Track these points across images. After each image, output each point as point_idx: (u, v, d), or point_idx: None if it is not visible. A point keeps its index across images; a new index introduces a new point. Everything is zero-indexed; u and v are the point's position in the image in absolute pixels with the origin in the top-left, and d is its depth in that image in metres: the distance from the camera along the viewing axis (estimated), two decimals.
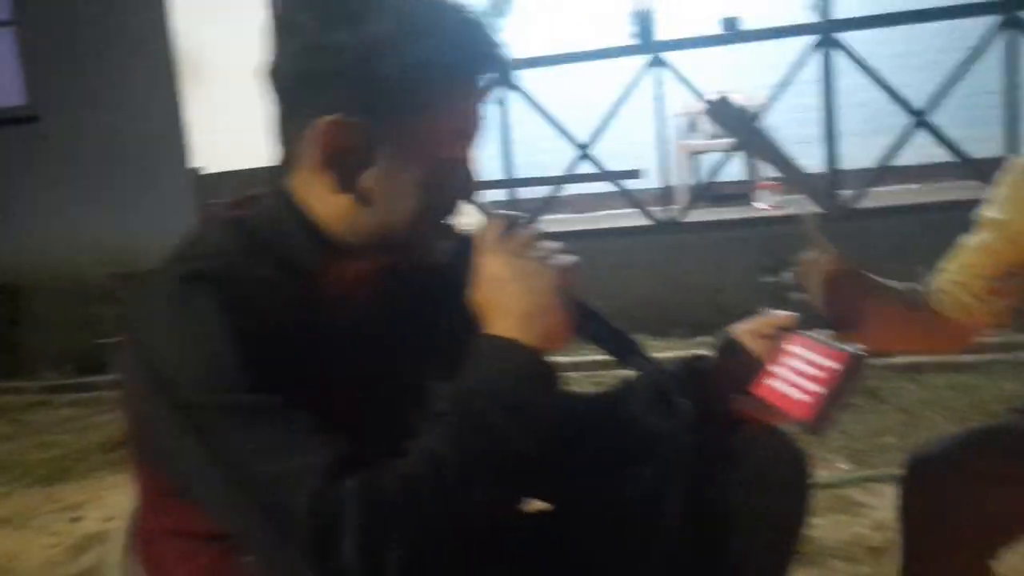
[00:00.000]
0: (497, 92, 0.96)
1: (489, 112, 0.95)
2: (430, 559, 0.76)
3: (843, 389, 0.90)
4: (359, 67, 0.85)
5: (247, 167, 5.26)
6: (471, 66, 0.89)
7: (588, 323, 0.93)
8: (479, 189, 0.95)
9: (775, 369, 1.00)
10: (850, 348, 0.91)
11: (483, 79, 0.91)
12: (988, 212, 1.44)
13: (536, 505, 1.14)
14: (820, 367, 0.93)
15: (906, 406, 3.10)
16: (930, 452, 1.31)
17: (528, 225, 0.91)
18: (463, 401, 0.83)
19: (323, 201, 0.90)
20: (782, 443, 1.03)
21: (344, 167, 0.88)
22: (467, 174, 0.94)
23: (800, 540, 1.04)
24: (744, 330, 1.07)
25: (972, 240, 1.45)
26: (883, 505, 2.35)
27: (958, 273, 1.42)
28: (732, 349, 1.07)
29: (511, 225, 0.91)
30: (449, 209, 0.94)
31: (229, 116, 5.57)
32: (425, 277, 0.99)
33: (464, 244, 0.93)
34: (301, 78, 0.87)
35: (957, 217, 4.89)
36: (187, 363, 0.80)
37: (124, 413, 0.93)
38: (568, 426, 1.11)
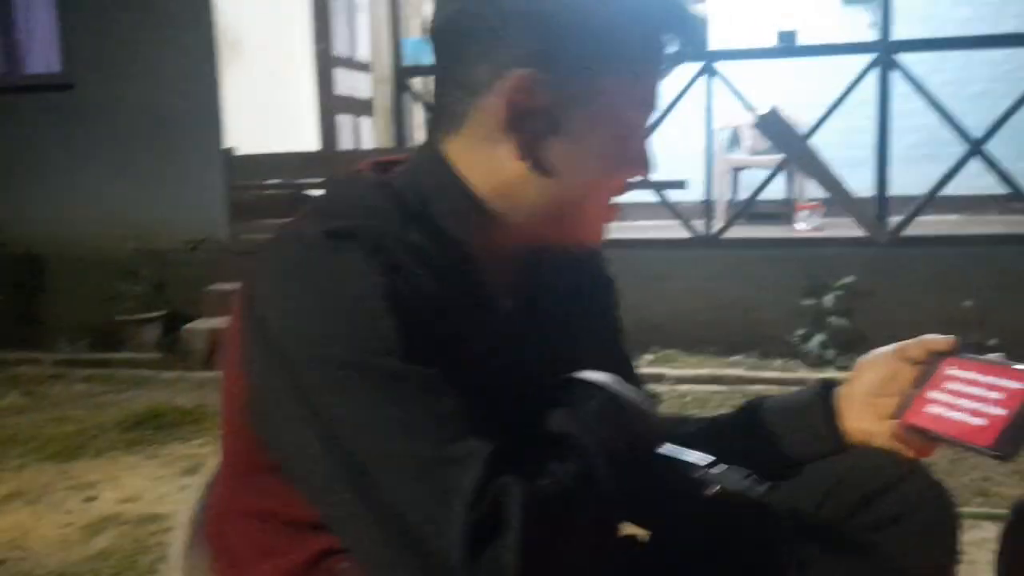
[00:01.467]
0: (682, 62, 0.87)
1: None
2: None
3: None
4: (543, 15, 0.76)
5: (279, 151, 5.22)
6: (663, 25, 0.81)
7: None
8: (654, 167, 0.86)
9: (934, 395, 0.91)
10: None
11: (671, 43, 0.82)
12: None
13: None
14: (999, 389, 0.84)
15: None
16: None
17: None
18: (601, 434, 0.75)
19: (490, 167, 0.81)
20: (929, 483, 0.93)
21: (528, 130, 0.79)
22: (644, 149, 0.85)
23: None
24: (891, 351, 0.98)
25: None
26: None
27: None
28: (880, 360, 0.99)
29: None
30: (623, 187, 0.85)
31: (264, 98, 5.51)
32: (575, 263, 0.91)
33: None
34: (473, 25, 0.78)
35: (1004, 251, 4.77)
36: (327, 321, 0.70)
37: (226, 377, 0.82)
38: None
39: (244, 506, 0.84)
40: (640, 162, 0.85)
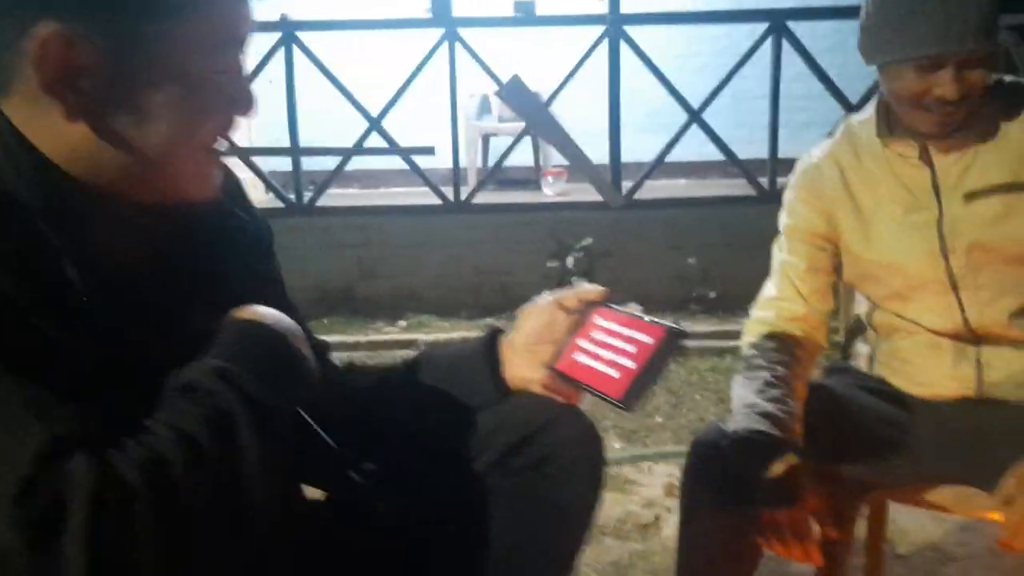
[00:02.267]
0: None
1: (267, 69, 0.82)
2: (169, 549, 0.65)
3: (656, 365, 0.86)
4: None
5: None
6: None
7: None
8: (254, 105, 0.81)
9: (582, 343, 0.96)
10: (666, 323, 0.88)
11: None
12: (784, 220, 1.51)
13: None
14: (632, 341, 0.90)
15: (674, 388, 3.26)
16: (711, 437, 1.34)
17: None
18: (224, 376, 0.72)
19: (52, 131, 0.74)
20: (579, 424, 0.99)
21: (74, 89, 0.72)
22: (240, 86, 0.80)
23: (593, 520, 1.02)
24: (549, 301, 1.03)
25: (778, 257, 1.50)
26: (653, 483, 2.44)
27: (782, 295, 1.47)
28: (540, 310, 1.03)
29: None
30: (218, 131, 0.81)
31: None
32: (192, 215, 0.85)
33: (230, 180, 0.81)
34: None
35: (724, 211, 5.22)
36: None
37: None
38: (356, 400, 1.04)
39: None
40: (236, 101, 0.81)
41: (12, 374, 0.65)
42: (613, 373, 0.90)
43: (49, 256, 0.73)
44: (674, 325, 0.88)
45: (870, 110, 1.43)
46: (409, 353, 0.99)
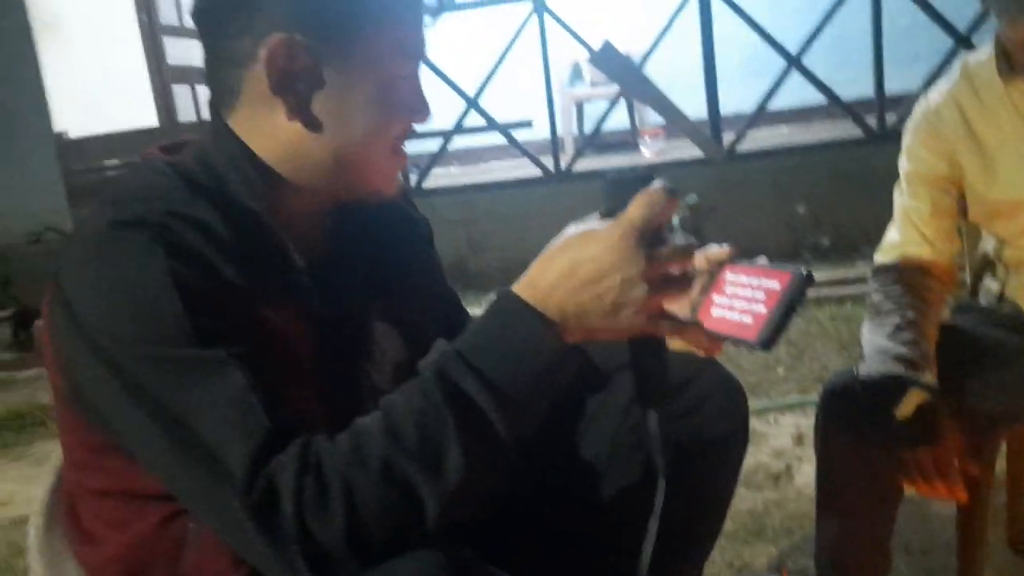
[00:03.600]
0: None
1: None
2: (376, 534, 0.71)
3: (787, 306, 0.92)
4: None
5: (115, 130, 5.00)
6: None
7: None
8: (430, 112, 0.92)
9: (717, 298, 1.02)
10: (791, 268, 0.94)
11: None
12: (904, 165, 1.51)
13: None
14: (761, 289, 0.96)
15: (793, 339, 3.24)
16: (844, 382, 1.37)
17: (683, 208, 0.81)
18: (446, 368, 0.74)
19: (271, 134, 0.87)
20: (721, 375, 1.06)
21: (294, 91, 0.84)
22: (418, 95, 0.91)
23: (742, 462, 1.08)
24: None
25: (900, 201, 1.50)
26: (781, 434, 2.47)
27: (906, 239, 1.48)
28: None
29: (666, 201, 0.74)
30: (403, 135, 0.91)
31: (91, 76, 5.24)
32: (380, 214, 0.96)
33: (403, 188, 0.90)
34: (230, 2, 0.84)
35: (830, 155, 5.09)
36: (121, 313, 0.75)
37: (50, 368, 0.86)
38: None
39: (89, 486, 0.89)
40: (416, 108, 0.91)
41: (242, 361, 0.74)
42: (747, 320, 0.96)
43: (278, 250, 0.85)
44: (801, 268, 0.93)
45: (988, 50, 1.42)
46: None
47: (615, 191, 0.78)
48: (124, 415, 0.77)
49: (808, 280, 0.92)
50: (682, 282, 0.77)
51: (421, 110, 0.92)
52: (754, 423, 2.54)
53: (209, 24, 0.87)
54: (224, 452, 0.71)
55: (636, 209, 0.74)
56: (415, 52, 0.90)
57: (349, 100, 0.86)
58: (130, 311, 0.75)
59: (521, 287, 0.76)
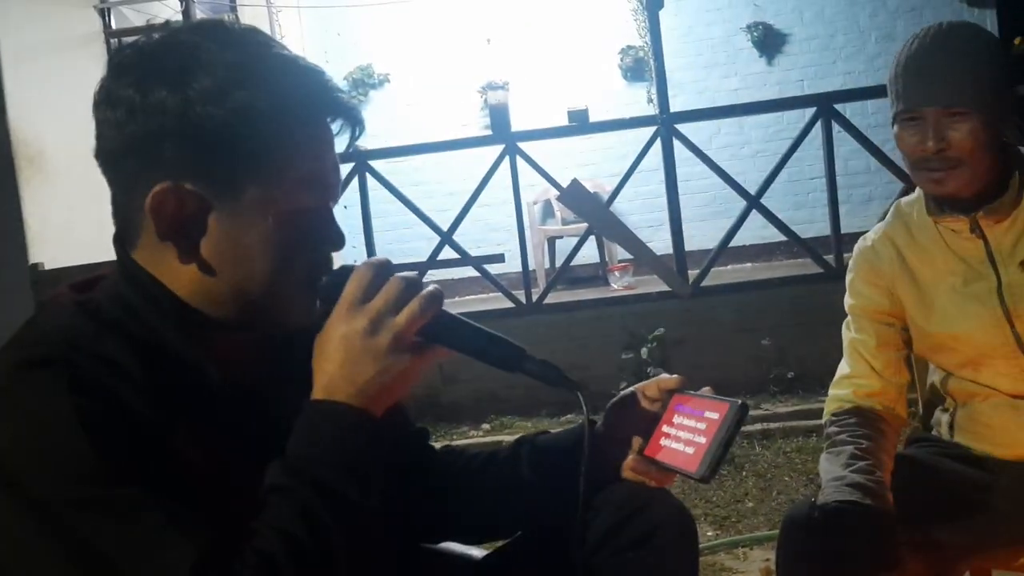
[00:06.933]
0: (350, 140, 0.92)
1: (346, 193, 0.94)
2: None
3: (725, 438, 0.96)
4: (181, 124, 0.81)
5: (91, 261, 5.05)
6: (301, 111, 0.86)
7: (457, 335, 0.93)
8: (342, 241, 0.91)
9: (666, 428, 1.06)
10: (730, 399, 0.98)
11: (320, 125, 0.88)
12: (848, 301, 1.59)
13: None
14: (703, 419, 1.00)
15: (761, 471, 3.27)
16: (803, 513, 1.39)
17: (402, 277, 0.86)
18: (301, 470, 0.79)
19: (172, 273, 0.86)
20: (671, 504, 1.08)
21: (184, 236, 0.84)
22: (328, 225, 0.90)
23: None
24: (632, 393, 1.11)
25: (848, 335, 1.58)
26: (750, 568, 2.46)
27: (855, 372, 1.53)
28: (625, 402, 1.10)
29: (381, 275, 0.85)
30: (315, 266, 0.89)
31: (74, 209, 5.34)
32: (294, 344, 0.92)
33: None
34: (128, 146, 0.83)
35: (791, 291, 5.24)
36: (30, 456, 0.74)
37: None
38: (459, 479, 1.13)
39: None
40: (325, 238, 0.90)
41: (156, 491, 0.74)
42: (689, 451, 1.00)
43: (193, 371, 0.84)
44: (737, 400, 0.98)
45: (917, 190, 1.53)
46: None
47: (329, 292, 0.87)
48: (39, 558, 0.75)
49: (743, 410, 0.98)
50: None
51: (332, 240, 0.90)
52: (723, 557, 2.54)
53: (107, 165, 0.87)
54: None
55: (348, 288, 0.85)
56: (322, 184, 0.88)
57: (243, 241, 0.84)
58: (38, 450, 0.74)
59: (318, 392, 0.85)
